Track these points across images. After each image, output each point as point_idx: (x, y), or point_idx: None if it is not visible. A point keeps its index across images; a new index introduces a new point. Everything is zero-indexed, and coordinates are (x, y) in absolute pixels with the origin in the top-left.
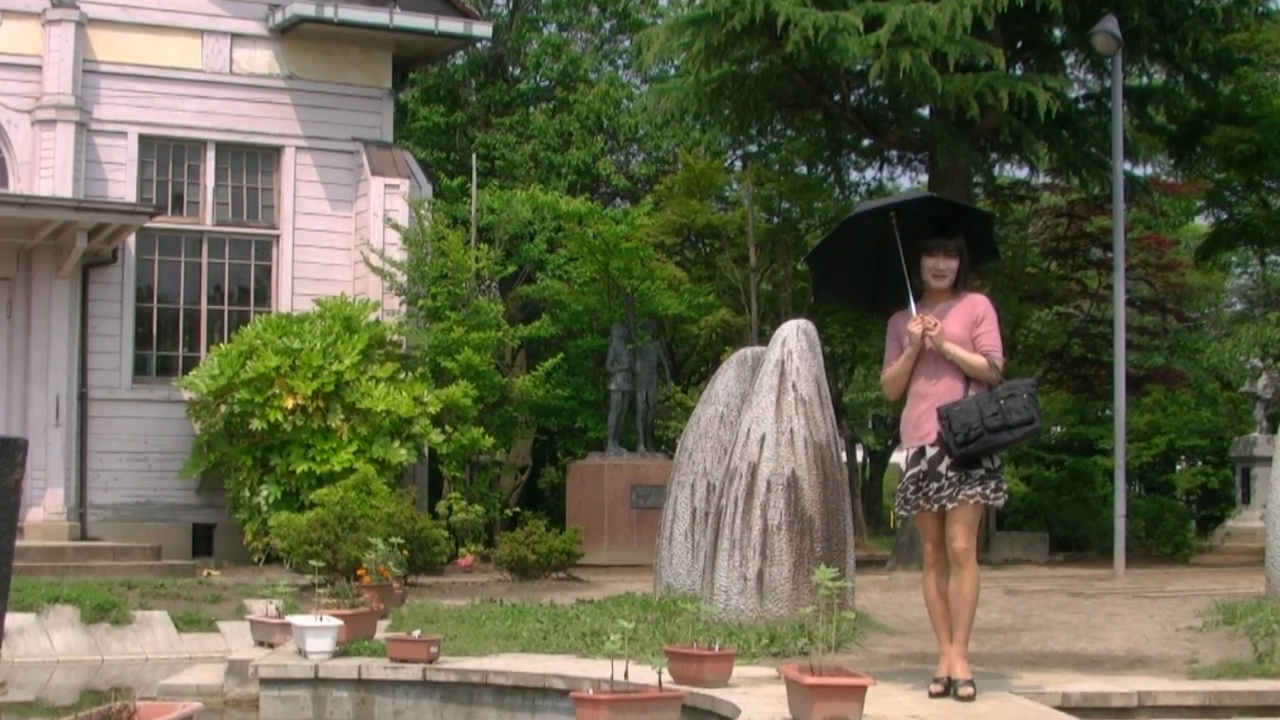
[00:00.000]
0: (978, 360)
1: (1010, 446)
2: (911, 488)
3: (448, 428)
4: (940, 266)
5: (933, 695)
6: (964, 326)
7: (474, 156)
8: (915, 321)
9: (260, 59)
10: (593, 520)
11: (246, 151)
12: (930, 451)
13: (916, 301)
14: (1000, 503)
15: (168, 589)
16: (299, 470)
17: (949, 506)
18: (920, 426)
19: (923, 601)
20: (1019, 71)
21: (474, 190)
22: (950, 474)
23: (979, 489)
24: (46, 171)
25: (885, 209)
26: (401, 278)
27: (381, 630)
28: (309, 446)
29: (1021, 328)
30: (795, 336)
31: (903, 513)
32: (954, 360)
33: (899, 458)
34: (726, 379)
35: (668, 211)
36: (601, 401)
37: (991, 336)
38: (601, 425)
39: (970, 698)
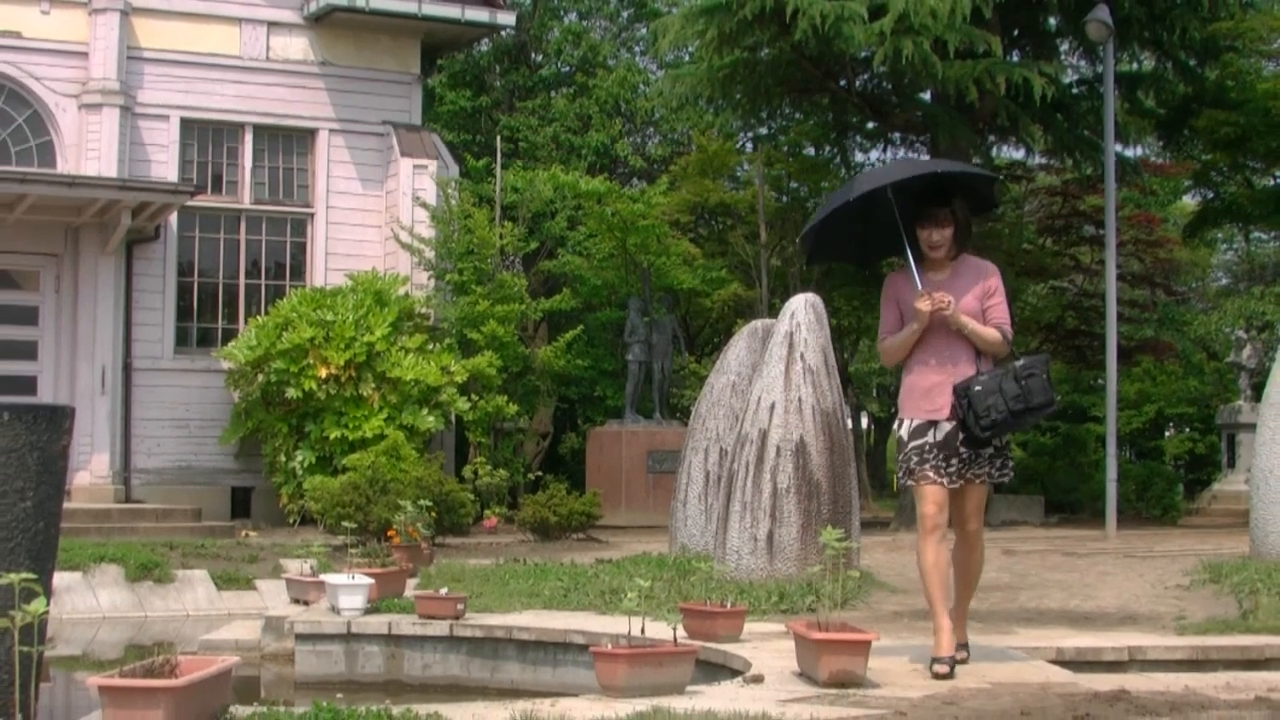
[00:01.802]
0: (992, 334)
1: (1030, 426)
2: (915, 458)
3: (473, 396)
4: (934, 238)
5: (938, 677)
6: (976, 297)
7: (498, 139)
8: (924, 299)
9: (295, 46)
10: (611, 484)
11: (282, 134)
12: (946, 427)
13: (918, 268)
14: (1007, 479)
15: (207, 549)
16: (332, 436)
17: (959, 484)
18: (932, 400)
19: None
20: (1016, 58)
21: (498, 170)
22: (963, 450)
23: (986, 469)
24: (93, 153)
25: (882, 187)
26: (429, 254)
27: (410, 588)
28: (341, 414)
29: (1018, 301)
30: (803, 309)
31: (908, 481)
32: (968, 334)
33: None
34: (738, 350)
35: (682, 191)
36: (619, 371)
37: (1002, 309)
38: (619, 394)
39: (944, 676)
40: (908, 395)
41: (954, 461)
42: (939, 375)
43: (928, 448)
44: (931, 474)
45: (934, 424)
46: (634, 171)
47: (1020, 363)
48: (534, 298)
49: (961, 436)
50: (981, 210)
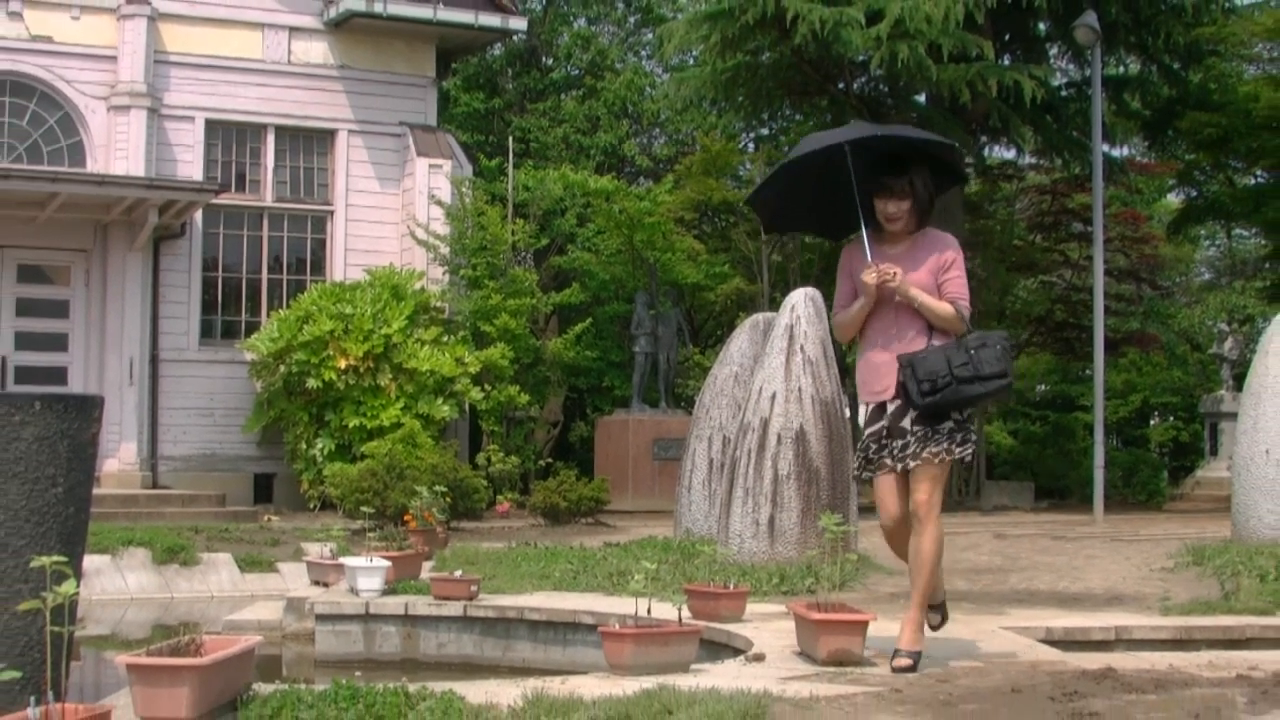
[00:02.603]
0: (945, 309)
1: (981, 401)
2: (874, 446)
3: (486, 386)
4: (890, 209)
5: (897, 670)
6: (930, 272)
7: (510, 139)
8: (870, 271)
9: (315, 50)
10: (618, 471)
11: (303, 134)
12: (891, 407)
13: (876, 240)
14: (968, 455)
15: (231, 533)
16: (351, 425)
17: (912, 465)
18: (880, 379)
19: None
20: (1007, 62)
21: (510, 170)
22: (916, 429)
23: (945, 444)
24: (121, 153)
25: (839, 145)
26: (444, 249)
27: (426, 570)
28: (360, 403)
29: (1010, 295)
30: (803, 303)
31: (864, 474)
32: (919, 308)
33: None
34: (740, 342)
35: (687, 189)
36: (626, 362)
37: (959, 283)
38: (626, 384)
39: (909, 668)
40: (860, 376)
41: (899, 443)
42: (888, 353)
43: (885, 433)
44: (888, 461)
45: (882, 407)
46: (640, 171)
47: (973, 335)
48: (544, 292)
49: (911, 414)
50: (948, 183)
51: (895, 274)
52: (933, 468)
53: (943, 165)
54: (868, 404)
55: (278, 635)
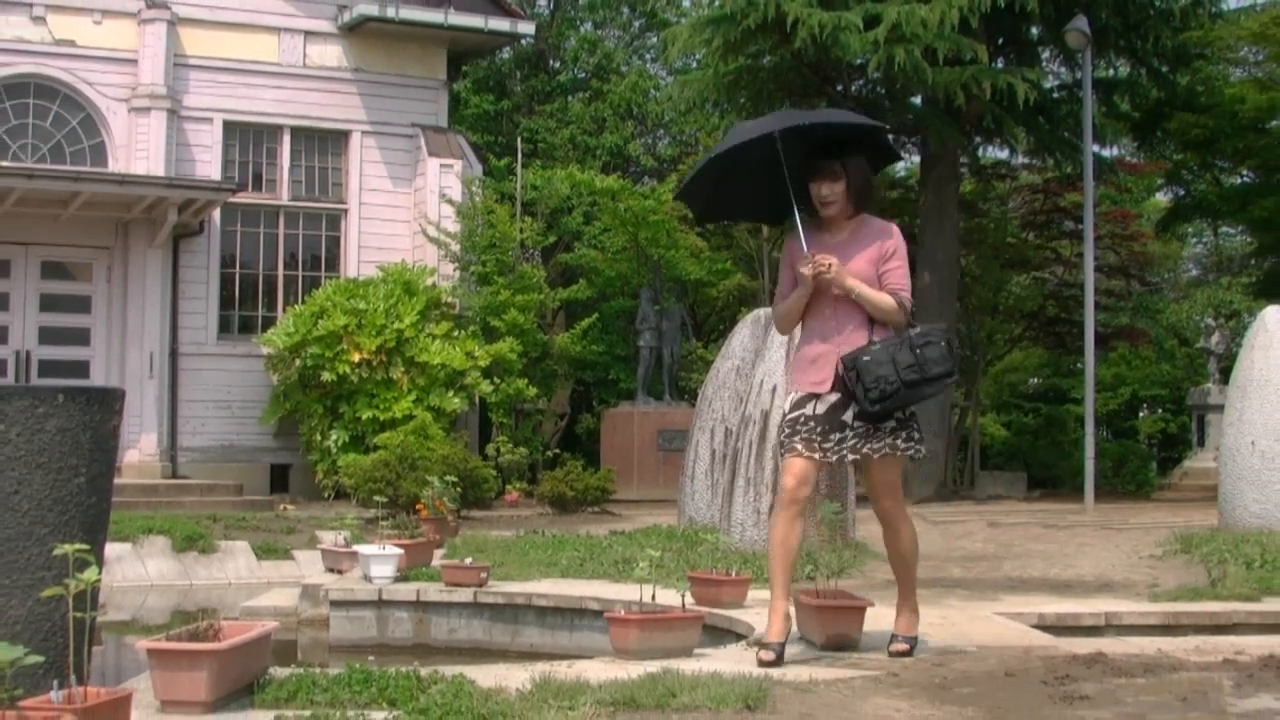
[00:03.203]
0: (885, 300)
1: (928, 399)
2: (788, 429)
3: (496, 379)
4: (823, 192)
5: (762, 664)
6: (870, 262)
7: (519, 140)
8: (806, 262)
9: (330, 53)
10: (624, 461)
11: (318, 135)
12: (830, 399)
13: (816, 229)
14: (916, 454)
15: (248, 522)
16: (364, 417)
17: (850, 458)
18: (819, 371)
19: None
20: (1000, 65)
21: (519, 170)
22: (857, 425)
23: (889, 440)
24: (141, 153)
25: (769, 134)
26: (455, 247)
27: (437, 558)
28: (373, 396)
29: (1003, 291)
30: None
31: (782, 455)
32: (858, 299)
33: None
34: (742, 336)
35: None
36: (631, 356)
37: (900, 274)
38: (631, 377)
39: (905, 653)
40: (795, 366)
41: (835, 437)
42: (826, 345)
43: (803, 420)
44: (800, 446)
45: (816, 397)
46: (645, 170)
47: (916, 330)
48: (552, 288)
49: (854, 410)
50: (882, 163)
51: (831, 265)
52: (881, 468)
53: (876, 148)
54: (795, 392)
55: (293, 621)
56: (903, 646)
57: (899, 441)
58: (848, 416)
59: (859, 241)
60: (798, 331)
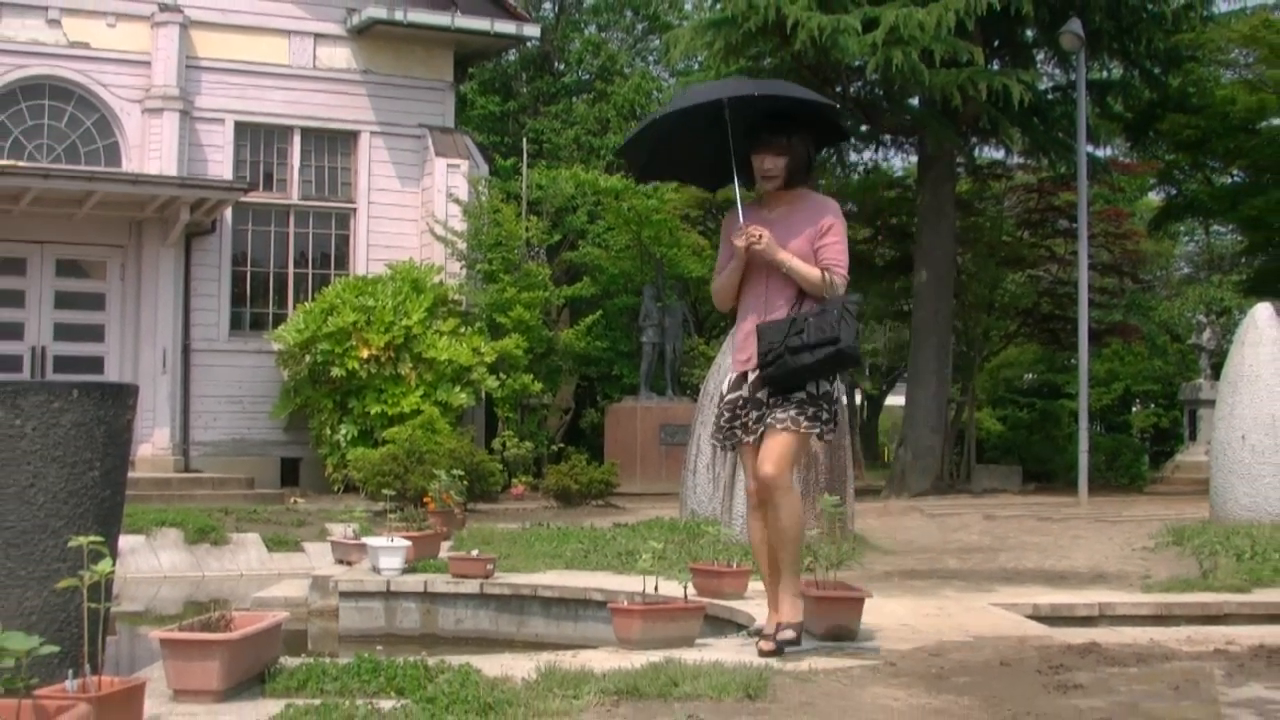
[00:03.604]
0: (813, 274)
1: (819, 374)
2: (727, 414)
3: (502, 375)
4: (766, 165)
5: (763, 654)
6: (807, 238)
7: (524, 140)
8: (739, 233)
9: (339, 56)
10: (627, 455)
11: (327, 136)
12: (752, 376)
13: (755, 203)
14: (823, 435)
15: (259, 514)
16: (373, 411)
17: (759, 431)
18: (745, 349)
19: (912, 524)
20: (996, 67)
21: (524, 169)
22: (769, 399)
23: (793, 412)
24: (155, 153)
25: (718, 100)
26: (462, 245)
27: (444, 550)
28: (382, 391)
29: (999, 288)
30: None
31: (718, 444)
32: (788, 273)
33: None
34: None
35: (692, 188)
36: (635, 352)
37: (836, 249)
38: (634, 373)
39: (793, 642)
40: (732, 345)
41: (754, 414)
42: (754, 321)
43: (741, 403)
44: (741, 434)
45: (745, 376)
46: None
47: (825, 301)
48: (557, 285)
49: (767, 387)
50: (832, 140)
51: (762, 236)
52: (777, 437)
53: (826, 125)
54: (731, 373)
55: (303, 612)
56: (789, 634)
57: (801, 417)
58: (762, 394)
59: (796, 216)
60: None
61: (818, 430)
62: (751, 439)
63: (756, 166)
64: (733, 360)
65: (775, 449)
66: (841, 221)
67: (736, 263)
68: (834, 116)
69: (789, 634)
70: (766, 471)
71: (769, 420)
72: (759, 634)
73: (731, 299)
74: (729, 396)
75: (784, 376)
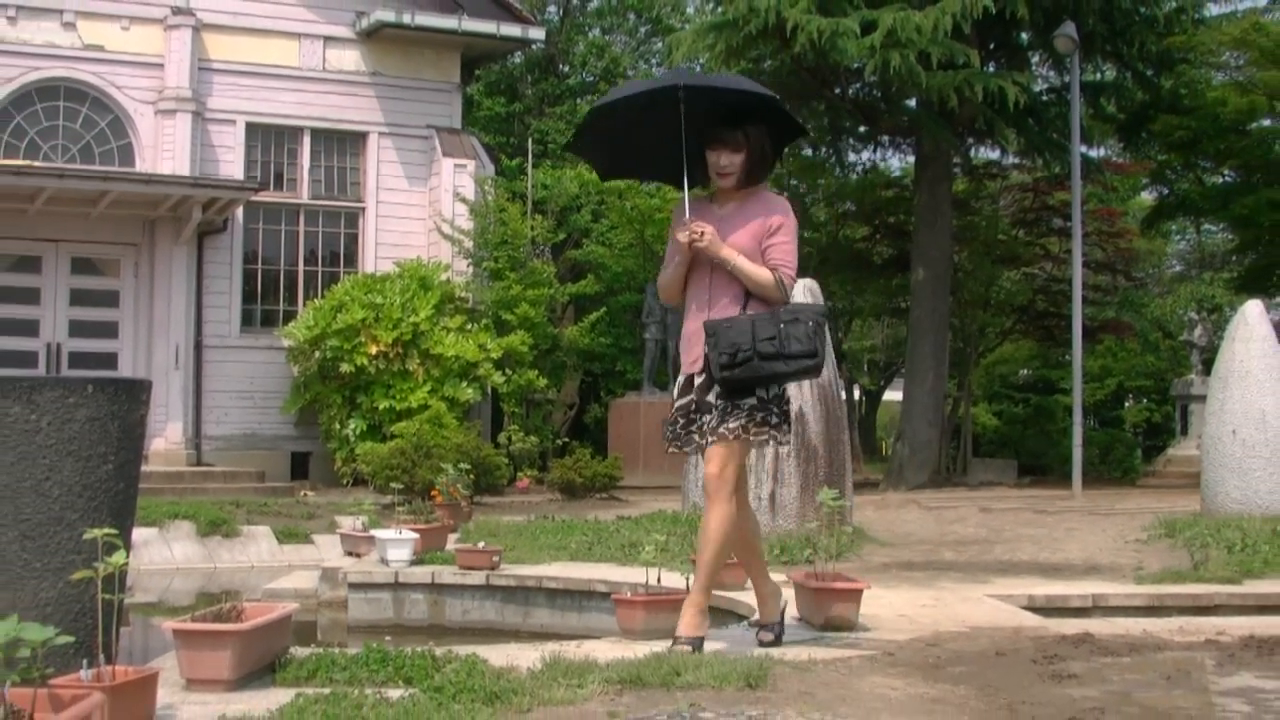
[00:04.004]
0: (762, 274)
1: (785, 381)
2: (682, 420)
3: (507, 371)
4: (722, 161)
5: (763, 644)
6: (754, 236)
7: (530, 141)
8: (683, 229)
9: (348, 58)
10: (630, 449)
11: (337, 136)
12: (699, 379)
13: (707, 197)
14: (778, 443)
15: (270, 507)
16: (381, 406)
17: (710, 440)
18: (691, 349)
19: (909, 517)
20: (991, 69)
21: (530, 169)
22: (719, 403)
23: (743, 420)
24: (168, 154)
25: (672, 89)
26: (468, 243)
27: (451, 542)
28: (390, 386)
29: (994, 286)
30: (802, 293)
31: (671, 449)
32: (733, 272)
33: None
34: None
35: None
36: (638, 349)
37: (785, 250)
38: (638, 369)
39: (693, 642)
40: (680, 345)
41: (706, 419)
42: (699, 320)
43: (694, 407)
44: (697, 438)
45: (691, 379)
46: None
47: (787, 308)
48: (561, 283)
49: (716, 388)
50: (790, 137)
51: (705, 233)
52: (725, 444)
53: (783, 121)
54: (681, 376)
55: (313, 603)
56: (683, 649)
57: (752, 425)
58: (712, 396)
59: (745, 214)
60: None
61: (765, 436)
62: (706, 443)
63: (711, 162)
64: (681, 360)
65: (721, 455)
66: (792, 221)
67: (681, 257)
68: (785, 111)
69: (685, 649)
70: (710, 471)
71: (719, 429)
72: (759, 625)
73: (678, 294)
74: (680, 402)
75: (748, 380)
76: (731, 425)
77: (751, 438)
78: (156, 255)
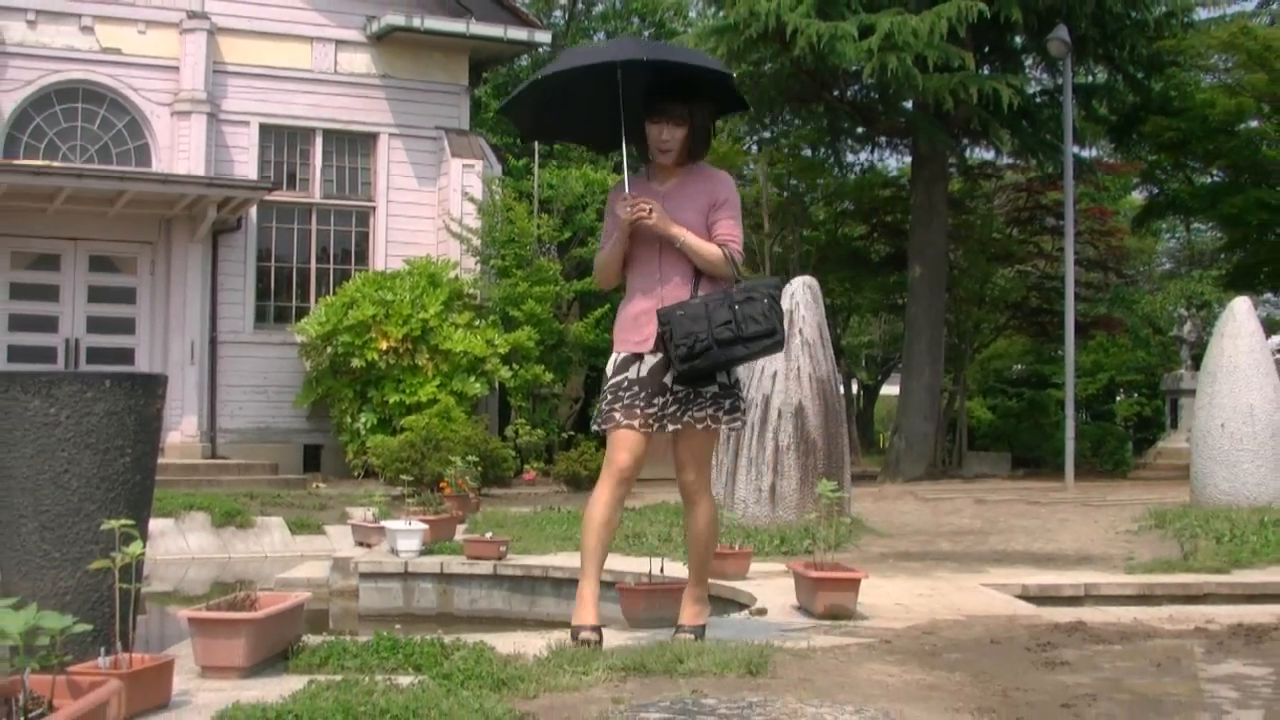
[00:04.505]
0: (711, 250)
1: (746, 362)
2: (610, 396)
3: (514, 365)
4: (663, 136)
5: (583, 644)
6: (698, 211)
7: (535, 142)
8: (624, 204)
9: (359, 61)
10: None
11: (348, 137)
12: (651, 360)
13: (645, 173)
14: (738, 426)
15: (283, 499)
16: (391, 400)
17: (670, 428)
18: (640, 329)
19: (906, 508)
20: (986, 71)
21: (536, 169)
22: (677, 389)
23: (710, 410)
24: (183, 154)
25: (610, 64)
26: (476, 242)
27: (460, 533)
28: (400, 381)
29: (989, 283)
30: (802, 290)
31: (602, 426)
32: (683, 249)
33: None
34: None
35: None
36: None
37: (729, 225)
38: None
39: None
40: (618, 325)
41: (659, 401)
42: (649, 301)
43: (625, 385)
44: (620, 415)
45: (639, 358)
46: None
47: (740, 287)
48: (567, 280)
49: (674, 373)
50: (732, 109)
51: (650, 209)
52: (697, 438)
53: (727, 95)
54: (618, 353)
55: (325, 592)
56: (688, 637)
57: (720, 412)
58: (667, 379)
59: (688, 190)
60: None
61: (727, 423)
62: (640, 425)
63: (653, 136)
64: (619, 340)
65: (697, 451)
66: (736, 196)
67: (621, 235)
68: (732, 86)
69: (688, 637)
70: (689, 478)
71: (684, 419)
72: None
73: (616, 274)
74: (618, 378)
75: (710, 369)
76: (698, 414)
77: (722, 426)
78: (172, 253)
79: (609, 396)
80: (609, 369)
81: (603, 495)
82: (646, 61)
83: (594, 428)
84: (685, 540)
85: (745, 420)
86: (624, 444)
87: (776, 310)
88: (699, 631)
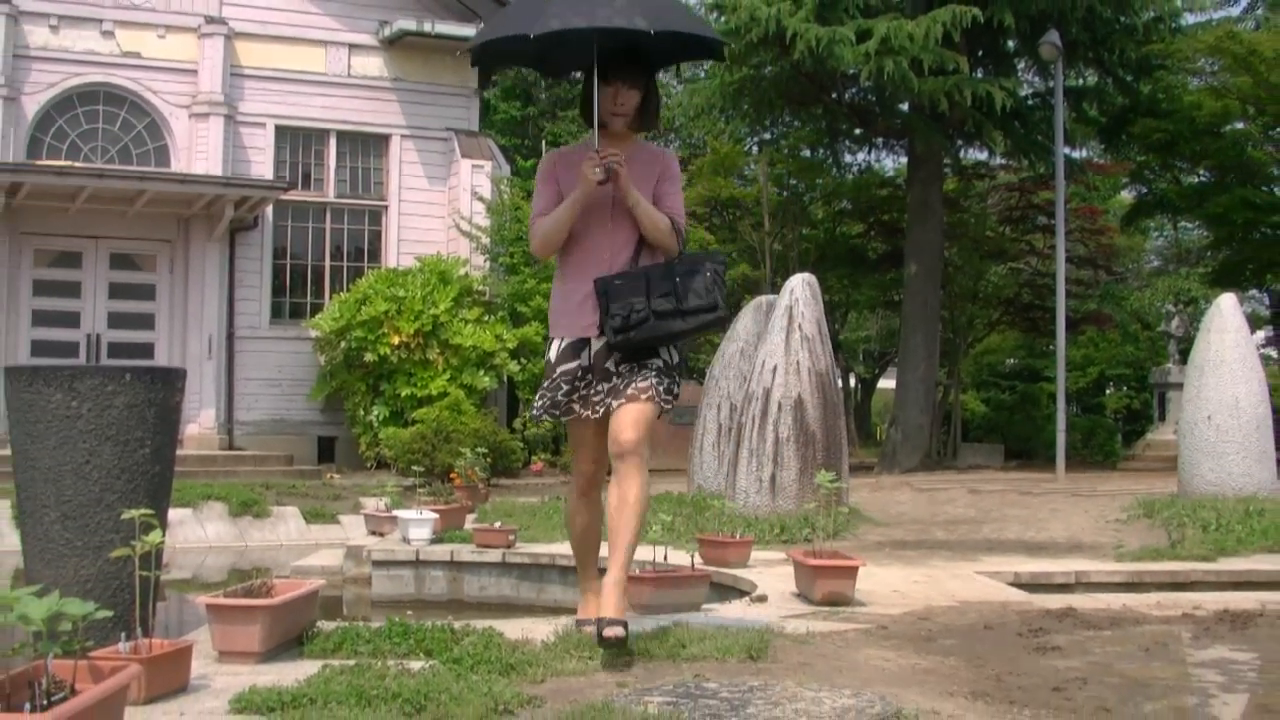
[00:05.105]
0: (663, 220)
1: (685, 337)
2: (565, 387)
3: (523, 360)
4: (619, 100)
5: (609, 642)
6: (647, 182)
7: (543, 142)
8: (590, 162)
9: (372, 64)
10: None
11: (361, 139)
12: (596, 345)
13: (585, 144)
14: (668, 405)
15: (298, 489)
16: (403, 394)
17: (614, 405)
18: (584, 313)
19: (902, 498)
20: (980, 75)
21: None
22: (622, 368)
23: (653, 380)
24: (201, 155)
25: (588, 32)
26: (485, 240)
27: (469, 522)
28: (411, 375)
29: (982, 279)
30: (801, 287)
31: (544, 416)
32: (635, 214)
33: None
34: (746, 321)
35: (698, 187)
36: None
37: (676, 198)
38: None
39: (619, 640)
40: (558, 309)
41: (603, 387)
42: (591, 282)
43: (580, 373)
44: (579, 407)
45: (586, 343)
46: None
47: (682, 260)
48: None
49: (617, 354)
50: (705, 55)
51: (619, 156)
52: (639, 404)
53: (701, 43)
54: (561, 339)
55: (339, 579)
56: (616, 631)
57: (661, 388)
58: (611, 364)
59: (636, 161)
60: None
61: (665, 404)
62: (601, 413)
63: (609, 97)
64: (563, 324)
65: (638, 415)
66: (678, 170)
67: (579, 194)
68: (711, 35)
69: (619, 630)
70: (629, 437)
71: (628, 390)
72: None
73: (559, 243)
74: (565, 367)
75: (647, 342)
76: (641, 384)
77: (660, 401)
78: (191, 251)
79: (564, 387)
80: (551, 355)
81: (578, 505)
82: (612, 32)
83: (539, 416)
84: (610, 512)
85: (672, 400)
86: (587, 449)
87: (720, 285)
88: (625, 625)
